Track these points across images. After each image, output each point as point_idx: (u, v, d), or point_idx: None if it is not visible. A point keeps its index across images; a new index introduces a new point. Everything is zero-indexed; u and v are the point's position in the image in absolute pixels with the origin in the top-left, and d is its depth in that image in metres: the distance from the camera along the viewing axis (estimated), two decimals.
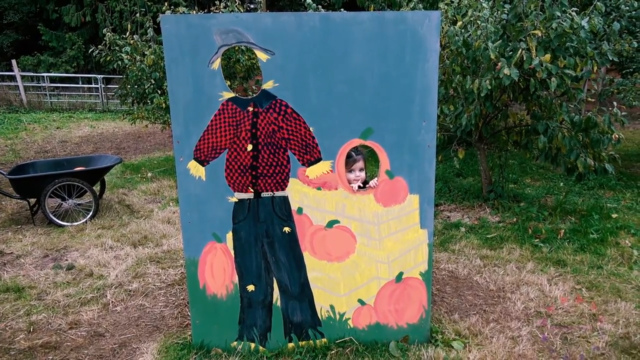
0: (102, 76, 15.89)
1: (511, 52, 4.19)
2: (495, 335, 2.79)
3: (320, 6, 7.15)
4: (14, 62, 15.30)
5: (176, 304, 3.28)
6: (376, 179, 2.57)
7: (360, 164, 2.80)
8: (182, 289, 3.48)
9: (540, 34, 4.01)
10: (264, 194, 2.47)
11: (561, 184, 6.32)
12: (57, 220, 4.94)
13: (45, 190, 4.86)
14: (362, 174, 2.80)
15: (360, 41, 2.30)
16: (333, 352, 2.60)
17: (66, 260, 4.08)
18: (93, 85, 16.60)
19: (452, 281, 3.57)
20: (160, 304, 3.29)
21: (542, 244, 4.18)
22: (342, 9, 8.78)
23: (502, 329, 2.87)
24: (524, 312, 3.08)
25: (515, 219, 4.81)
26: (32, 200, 5.13)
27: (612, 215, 4.86)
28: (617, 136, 4.33)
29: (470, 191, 5.84)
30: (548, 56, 3.92)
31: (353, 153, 2.73)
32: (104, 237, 4.57)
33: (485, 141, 5.37)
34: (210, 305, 2.60)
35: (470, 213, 5.17)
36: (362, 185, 2.81)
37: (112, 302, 3.32)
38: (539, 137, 4.46)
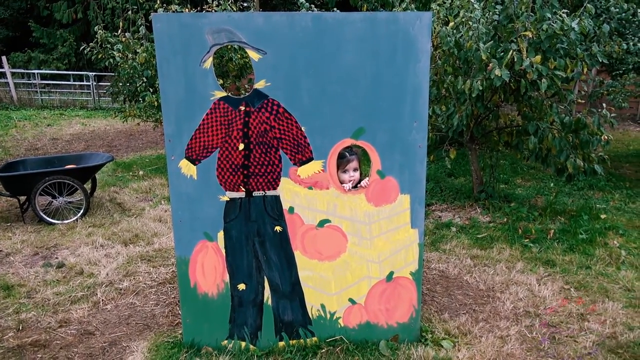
0: (93, 74, 15.76)
1: (502, 53, 4.22)
2: (484, 334, 2.82)
3: (313, 5, 7.15)
4: (4, 58, 15.13)
5: (167, 302, 3.28)
6: (367, 178, 2.59)
7: (354, 163, 2.80)
8: (173, 287, 3.48)
9: (531, 35, 4.04)
10: (256, 193, 2.48)
11: (551, 184, 6.38)
12: (48, 218, 4.91)
13: (35, 188, 4.82)
14: (356, 174, 2.79)
15: (352, 41, 2.31)
16: (323, 350, 2.61)
17: (56, 258, 4.05)
18: (84, 83, 16.46)
19: (443, 281, 3.59)
20: (151, 302, 3.28)
21: (531, 244, 4.22)
22: (335, 9, 8.78)
23: (491, 328, 2.90)
24: (513, 311, 3.11)
25: (505, 219, 4.85)
26: (22, 198, 5.09)
27: (601, 216, 4.92)
28: (606, 137, 4.38)
29: (462, 191, 5.87)
30: (539, 57, 3.96)
31: (347, 153, 2.73)
32: (95, 235, 4.55)
33: (476, 141, 5.41)
34: (201, 304, 2.60)
35: (462, 213, 5.20)
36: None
37: (102, 300, 3.30)
38: (529, 138, 4.50)
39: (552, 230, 4.47)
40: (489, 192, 5.42)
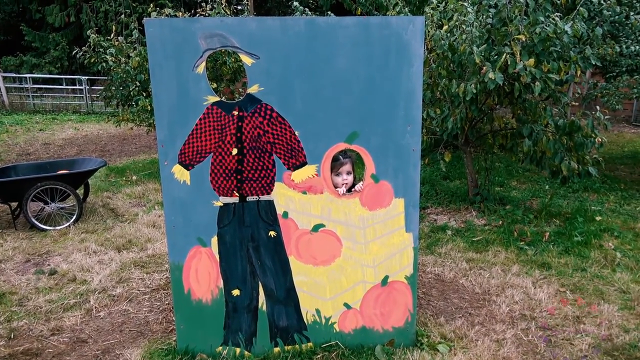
0: (86, 77, 15.73)
1: (496, 57, 4.25)
2: (480, 338, 2.83)
3: (307, 9, 7.18)
4: None
5: (161, 309, 3.27)
6: (362, 182, 2.60)
7: (347, 167, 2.80)
8: (166, 293, 3.47)
9: (524, 39, 4.08)
10: (250, 198, 2.48)
11: (546, 186, 6.41)
12: (40, 225, 4.88)
13: (27, 193, 4.80)
14: (350, 178, 2.79)
15: (345, 46, 2.32)
16: (319, 356, 2.62)
17: (48, 265, 4.03)
18: (77, 87, 16.42)
19: (438, 284, 3.60)
20: (144, 309, 3.27)
21: (527, 247, 4.24)
22: (330, 12, 8.81)
23: (487, 331, 2.91)
24: (509, 314, 3.12)
25: (501, 222, 4.87)
26: (14, 204, 5.06)
27: (596, 218, 4.95)
28: (600, 139, 4.42)
29: (457, 194, 5.90)
30: (532, 60, 3.99)
31: (340, 156, 2.73)
32: (88, 241, 4.53)
33: (471, 144, 5.44)
34: (195, 310, 2.59)
35: (457, 216, 5.22)
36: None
37: (95, 307, 3.29)
38: (524, 141, 4.52)
39: (548, 233, 4.50)
40: (484, 195, 5.45)
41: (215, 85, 7.16)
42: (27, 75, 16.02)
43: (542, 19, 4.12)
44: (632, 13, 5.87)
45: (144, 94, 7.13)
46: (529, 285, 3.52)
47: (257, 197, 2.48)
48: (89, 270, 3.89)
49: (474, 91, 4.15)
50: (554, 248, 4.22)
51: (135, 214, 5.44)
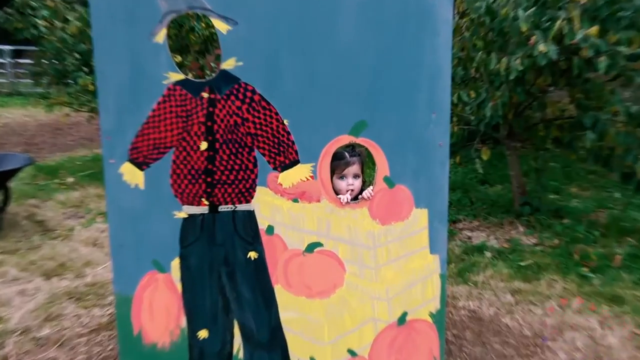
0: (9, 48, 15.76)
1: (548, 23, 4.27)
2: None
3: None
4: None
5: (102, 356, 3.26)
6: (371, 187, 2.60)
7: (354, 168, 2.78)
8: (110, 335, 3.46)
9: (584, 1, 4.09)
10: (223, 208, 2.48)
11: (617, 194, 6.43)
12: None
13: None
14: (357, 182, 2.77)
15: (350, 8, 2.33)
16: None
17: None
18: None
19: (474, 324, 3.61)
20: (80, 357, 3.27)
21: (592, 275, 4.26)
22: None
23: None
24: None
25: (557, 241, 4.89)
26: None
27: None
28: None
29: (498, 203, 5.92)
30: (595, 29, 4.00)
31: (346, 153, 2.72)
32: (6, 264, 4.53)
33: (517, 138, 5.46)
34: (149, 357, 2.59)
35: (498, 233, 5.24)
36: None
37: (14, 354, 3.28)
38: (585, 133, 4.54)
39: (619, 256, 4.51)
40: (534, 205, 5.47)
41: (179, 58, 7.18)
42: None
43: None
44: None
45: (86, 69, 7.14)
46: (595, 325, 3.53)
47: (232, 206, 2.48)
48: (7, 304, 3.88)
49: (520, 68, 4.17)
50: (628, 276, 4.23)
51: (70, 228, 5.45)
